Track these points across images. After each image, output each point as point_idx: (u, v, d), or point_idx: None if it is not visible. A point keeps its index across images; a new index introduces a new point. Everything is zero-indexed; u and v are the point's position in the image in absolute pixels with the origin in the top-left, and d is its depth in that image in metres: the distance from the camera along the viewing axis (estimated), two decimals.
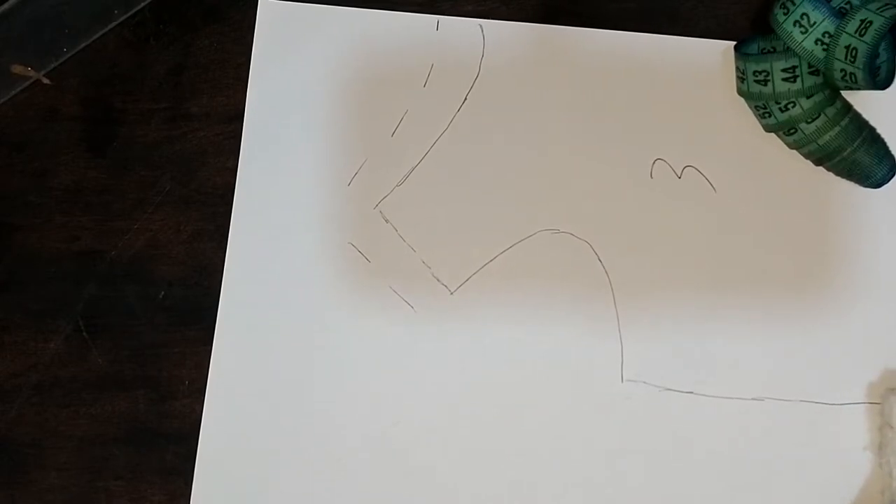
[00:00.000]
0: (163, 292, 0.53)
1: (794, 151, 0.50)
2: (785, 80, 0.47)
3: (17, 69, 0.53)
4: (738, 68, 0.49)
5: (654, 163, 0.52)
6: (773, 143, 0.51)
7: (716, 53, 0.52)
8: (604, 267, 0.51)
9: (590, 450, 0.50)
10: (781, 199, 0.51)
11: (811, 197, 0.51)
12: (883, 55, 0.47)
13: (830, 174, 0.50)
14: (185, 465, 0.51)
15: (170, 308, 0.53)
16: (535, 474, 0.50)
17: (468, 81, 0.53)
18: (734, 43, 0.51)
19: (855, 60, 0.46)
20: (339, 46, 0.53)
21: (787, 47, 0.47)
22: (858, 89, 0.47)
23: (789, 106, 0.48)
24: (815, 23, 0.46)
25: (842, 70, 0.46)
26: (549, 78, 0.53)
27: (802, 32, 0.46)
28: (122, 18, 0.54)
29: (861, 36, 0.45)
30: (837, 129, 0.48)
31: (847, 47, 0.46)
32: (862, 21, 0.45)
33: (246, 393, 0.52)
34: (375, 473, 0.51)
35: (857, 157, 0.48)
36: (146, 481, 0.52)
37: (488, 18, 0.53)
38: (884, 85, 0.47)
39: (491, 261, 0.52)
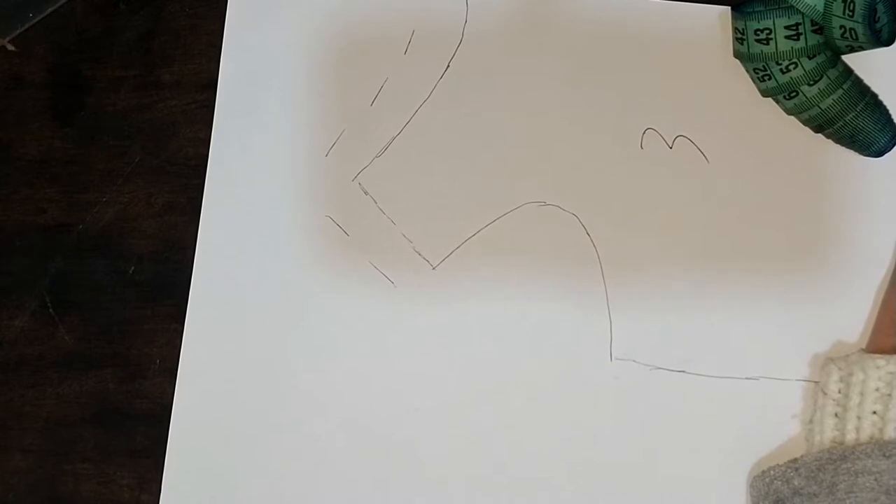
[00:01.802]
0: (133, 267, 0.52)
1: (790, 121, 0.49)
2: (788, 37, 0.46)
3: None
4: (736, 29, 0.48)
5: (644, 132, 0.51)
6: (768, 112, 0.50)
7: (709, 18, 0.51)
8: (592, 241, 0.50)
9: (577, 430, 0.49)
10: (776, 170, 0.50)
11: (807, 168, 0.50)
12: (883, 18, 0.46)
13: (827, 144, 0.49)
14: (156, 448, 0.50)
15: (140, 283, 0.52)
16: (520, 454, 0.49)
17: (451, 48, 0.52)
18: (728, 7, 0.50)
19: (854, 14, 0.45)
20: (316, 11, 0.52)
21: (789, 5, 0.46)
22: (860, 48, 0.46)
23: (791, 67, 0.47)
24: None
25: (841, 27, 0.45)
26: (535, 44, 0.51)
27: None
28: None
29: None
30: (840, 91, 0.47)
31: (845, 2, 0.45)
32: None
33: (219, 372, 0.51)
34: (354, 455, 0.50)
35: (859, 122, 0.48)
36: (115, 464, 0.51)
37: None
38: (886, 42, 0.45)
39: (474, 235, 0.51)
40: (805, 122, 0.49)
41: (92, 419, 0.51)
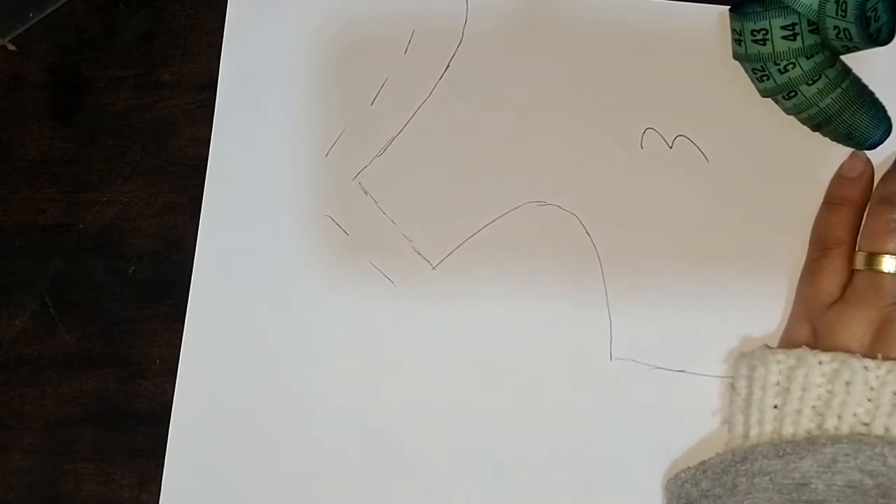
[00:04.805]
0: (133, 267, 0.52)
1: (790, 121, 0.49)
2: (784, 38, 0.46)
3: None
4: (734, 30, 0.48)
5: (644, 132, 0.50)
6: (768, 112, 0.49)
7: (709, 18, 0.50)
8: (592, 241, 0.50)
9: (578, 431, 0.49)
10: (776, 170, 0.50)
11: (807, 168, 0.50)
12: (883, 17, 0.46)
13: (827, 143, 0.49)
14: (156, 447, 0.50)
15: (140, 283, 0.52)
16: (520, 454, 0.49)
17: (451, 48, 0.52)
18: (728, 7, 0.50)
19: (846, 14, 0.44)
20: (316, 11, 0.52)
21: (786, 5, 0.46)
22: (856, 48, 0.46)
23: (788, 67, 0.47)
24: None
25: (835, 27, 0.45)
26: (535, 44, 0.51)
27: None
28: None
29: None
30: (839, 91, 0.47)
31: (838, 2, 0.45)
32: None
33: (219, 372, 0.51)
34: (354, 454, 0.50)
35: (855, 120, 0.47)
36: (115, 463, 0.51)
37: None
38: (884, 41, 0.45)
39: (474, 234, 0.51)
40: (804, 122, 0.49)
41: (92, 419, 0.51)
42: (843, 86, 0.47)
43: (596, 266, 0.50)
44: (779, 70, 0.47)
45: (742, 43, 0.48)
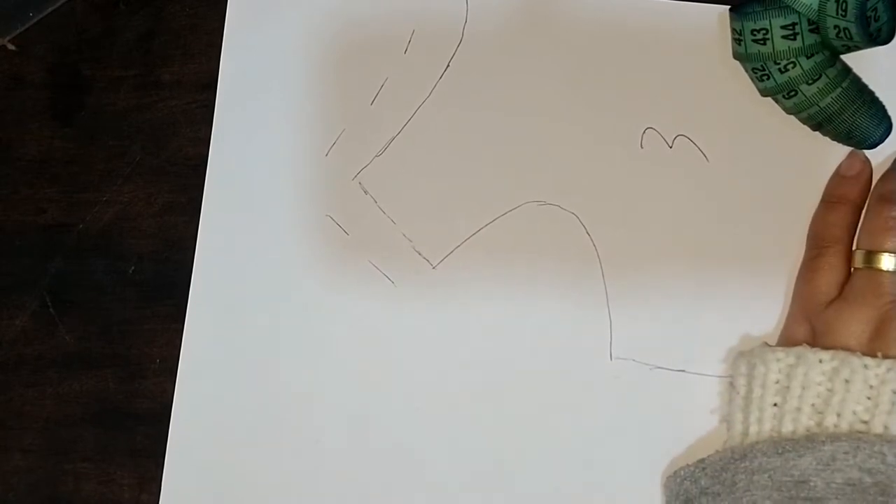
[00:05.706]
0: (133, 267, 0.52)
1: (790, 120, 0.49)
2: (785, 37, 0.46)
3: None
4: (734, 30, 0.48)
5: (644, 132, 0.50)
6: (768, 111, 0.49)
7: (709, 18, 0.50)
8: (592, 240, 0.50)
9: (577, 431, 0.49)
10: (776, 170, 0.50)
11: (807, 168, 0.50)
12: (883, 16, 0.46)
13: (827, 143, 0.49)
14: (156, 447, 0.50)
15: (140, 283, 0.51)
16: (520, 454, 0.49)
17: (451, 48, 0.52)
18: (728, 7, 0.50)
19: (846, 14, 0.44)
20: (316, 11, 0.52)
21: (786, 5, 0.46)
22: (857, 48, 0.46)
23: (789, 66, 0.47)
24: None
25: (835, 27, 0.45)
26: (535, 44, 0.51)
27: None
28: None
29: None
30: (839, 90, 0.47)
31: (838, 1, 0.45)
32: None
33: (219, 371, 0.51)
34: (354, 453, 0.50)
35: (856, 119, 0.47)
36: (115, 463, 0.50)
37: None
38: (884, 41, 0.45)
39: (474, 234, 0.50)
40: (804, 121, 0.49)
41: (92, 419, 0.51)
42: (844, 85, 0.47)
43: (596, 266, 0.50)
44: (779, 69, 0.47)
45: (742, 42, 0.48)
